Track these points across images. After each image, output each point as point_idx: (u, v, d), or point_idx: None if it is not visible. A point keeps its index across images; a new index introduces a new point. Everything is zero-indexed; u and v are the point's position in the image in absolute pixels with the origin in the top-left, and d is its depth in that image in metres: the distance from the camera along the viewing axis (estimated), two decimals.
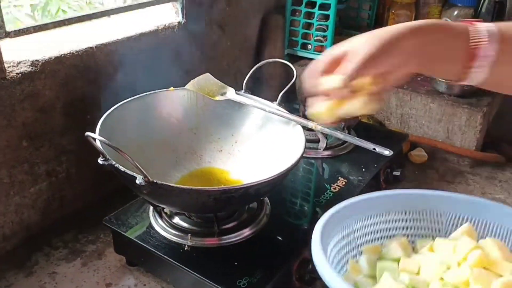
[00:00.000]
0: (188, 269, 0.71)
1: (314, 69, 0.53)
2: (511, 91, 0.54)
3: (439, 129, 1.21)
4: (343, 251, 0.52)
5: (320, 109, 0.52)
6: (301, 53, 1.38)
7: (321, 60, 0.53)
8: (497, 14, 1.38)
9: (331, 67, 0.52)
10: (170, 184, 0.61)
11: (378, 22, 1.54)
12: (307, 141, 1.02)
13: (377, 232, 0.54)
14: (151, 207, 0.82)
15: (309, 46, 1.37)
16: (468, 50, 0.49)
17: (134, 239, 0.77)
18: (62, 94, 0.87)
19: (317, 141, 1.04)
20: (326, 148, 1.03)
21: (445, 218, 0.54)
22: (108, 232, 0.89)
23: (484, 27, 0.50)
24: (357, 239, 0.53)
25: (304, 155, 1.01)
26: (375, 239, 0.54)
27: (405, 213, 0.55)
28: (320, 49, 1.35)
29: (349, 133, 1.09)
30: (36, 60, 0.82)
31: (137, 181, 0.61)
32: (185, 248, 0.74)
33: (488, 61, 0.49)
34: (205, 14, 1.14)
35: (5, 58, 0.78)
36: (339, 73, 0.50)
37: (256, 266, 0.71)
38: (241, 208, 0.80)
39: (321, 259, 0.43)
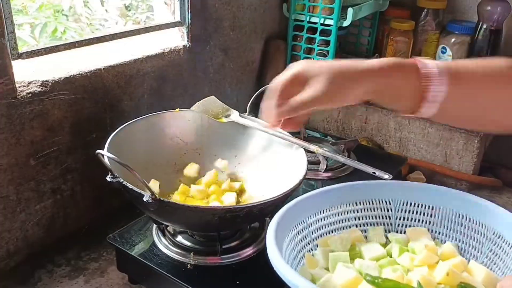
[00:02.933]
0: (190, 287, 0.72)
1: (271, 95, 0.59)
2: (463, 125, 0.58)
3: (437, 153, 1.23)
4: (299, 245, 0.53)
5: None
6: None
7: (275, 88, 0.59)
8: (493, 42, 1.43)
9: (286, 92, 0.57)
10: (177, 202, 0.63)
11: (377, 47, 1.58)
12: (308, 162, 1.05)
13: (331, 224, 0.56)
14: (155, 225, 0.83)
15: None
16: (418, 90, 0.53)
17: (137, 257, 0.78)
18: (70, 114, 0.89)
19: (318, 162, 1.06)
20: (326, 170, 1.05)
21: (394, 206, 0.56)
22: (111, 249, 0.90)
23: (434, 67, 0.53)
24: (312, 233, 0.55)
25: (306, 176, 1.03)
26: (329, 231, 0.56)
27: (356, 204, 0.57)
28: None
29: (349, 156, 1.11)
30: (46, 81, 0.85)
31: (145, 199, 0.63)
32: (188, 267, 0.75)
33: (437, 99, 0.53)
34: (209, 39, 1.18)
35: (16, 78, 0.81)
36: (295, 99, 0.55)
37: (258, 285, 0.72)
38: (243, 227, 0.82)
39: (275, 254, 0.45)
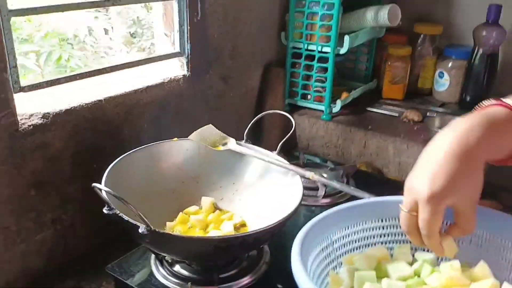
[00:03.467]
0: None
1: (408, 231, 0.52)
2: None
3: None
4: (323, 263, 0.51)
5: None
6: (301, 103, 1.43)
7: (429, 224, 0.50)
8: (490, 66, 1.44)
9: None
10: (171, 233, 0.64)
11: (375, 73, 1.60)
12: (307, 188, 1.05)
13: (356, 241, 0.54)
14: (153, 255, 0.83)
15: (309, 96, 1.42)
16: None
17: (136, 287, 0.78)
18: (71, 145, 0.91)
19: (317, 189, 1.07)
20: (325, 196, 1.06)
21: None
22: (110, 279, 0.90)
23: None
24: (336, 250, 0.53)
25: (304, 202, 1.04)
26: (354, 248, 0.54)
27: (381, 221, 0.55)
28: (319, 99, 1.40)
29: (347, 181, 1.12)
30: (47, 113, 0.87)
31: (140, 230, 0.64)
32: None
33: None
34: (209, 68, 1.20)
35: (18, 111, 0.83)
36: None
37: None
38: (241, 256, 0.82)
39: (302, 274, 0.43)
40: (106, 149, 0.98)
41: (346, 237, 0.54)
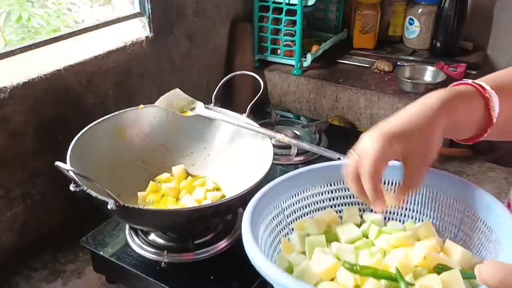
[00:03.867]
0: (165, 286, 0.72)
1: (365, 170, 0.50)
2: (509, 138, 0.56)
3: None
4: (275, 231, 0.52)
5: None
6: (271, 58, 1.41)
7: (371, 171, 0.49)
8: (459, 10, 1.43)
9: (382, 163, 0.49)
10: (141, 208, 0.63)
11: (346, 22, 1.57)
12: (280, 147, 1.05)
13: (306, 207, 0.55)
14: (127, 225, 0.83)
15: (279, 51, 1.39)
16: (484, 114, 0.51)
17: (111, 259, 0.78)
18: (32, 118, 0.88)
19: (290, 147, 1.07)
20: (298, 154, 1.06)
21: None
22: (87, 250, 0.90)
23: (490, 88, 0.51)
24: (287, 217, 0.54)
25: (278, 162, 1.04)
26: (305, 214, 0.55)
27: (330, 185, 0.56)
28: (289, 54, 1.37)
29: (320, 137, 1.12)
30: (4, 87, 0.83)
31: (109, 206, 0.63)
32: (162, 265, 0.76)
33: (496, 118, 0.51)
34: (173, 27, 1.15)
35: None
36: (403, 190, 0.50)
37: (233, 278, 0.73)
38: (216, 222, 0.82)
39: (251, 246, 0.44)
40: (71, 120, 0.95)
41: (295, 204, 0.54)
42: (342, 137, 1.15)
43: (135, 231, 0.82)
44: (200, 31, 1.25)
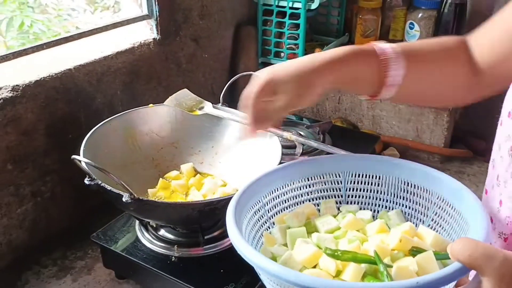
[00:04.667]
0: (176, 279, 0.74)
1: (249, 97, 0.58)
2: (417, 103, 0.60)
3: (409, 129, 1.27)
4: (257, 225, 0.54)
5: None
6: (275, 61, 1.43)
7: (248, 99, 0.57)
8: (458, 15, 1.45)
9: (259, 101, 0.57)
10: (156, 200, 0.65)
11: (347, 27, 1.60)
12: (285, 147, 1.07)
13: (286, 201, 0.57)
14: (137, 221, 0.85)
15: (282, 54, 1.41)
16: (378, 75, 0.56)
17: (122, 253, 0.80)
18: (43, 116, 0.89)
19: (294, 147, 1.08)
20: (302, 154, 1.07)
21: (343, 178, 0.58)
22: (96, 247, 0.91)
23: (391, 51, 0.56)
24: (268, 211, 0.56)
25: (283, 161, 1.05)
26: (284, 208, 0.57)
27: (308, 179, 0.58)
28: (292, 56, 1.39)
29: (323, 138, 1.14)
30: (17, 85, 0.85)
31: (124, 199, 0.65)
32: (172, 259, 0.77)
33: (395, 83, 0.56)
34: (179, 29, 1.17)
35: None
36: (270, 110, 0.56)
37: (242, 272, 0.75)
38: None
39: (237, 237, 0.46)
40: (80, 119, 0.97)
41: (276, 199, 0.57)
42: (346, 137, 1.17)
43: (145, 227, 0.83)
44: (205, 34, 1.27)
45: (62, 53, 0.96)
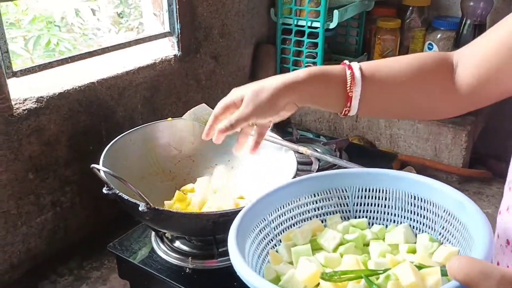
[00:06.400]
0: None
1: (215, 112, 0.70)
2: (384, 117, 0.65)
3: (427, 148, 1.26)
4: (263, 243, 0.54)
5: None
6: None
7: (218, 107, 0.70)
8: (477, 36, 1.45)
9: (225, 111, 0.68)
10: (171, 210, 0.66)
11: (366, 46, 1.61)
12: (301, 163, 1.07)
13: (292, 218, 0.57)
14: (153, 233, 0.85)
15: None
16: (342, 93, 0.60)
17: (138, 264, 0.80)
18: (66, 128, 0.92)
19: (310, 163, 1.09)
20: (318, 170, 1.07)
21: (350, 193, 0.58)
22: (112, 258, 0.92)
23: (357, 70, 0.59)
24: (274, 229, 0.55)
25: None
26: (291, 225, 0.57)
27: (315, 195, 0.58)
28: None
29: (340, 155, 1.14)
30: (41, 97, 0.88)
31: (140, 208, 0.66)
32: (187, 271, 0.78)
33: (356, 100, 0.59)
34: (199, 47, 1.20)
35: (12, 96, 0.84)
36: (230, 119, 0.66)
37: None
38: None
39: (237, 258, 0.46)
40: (101, 131, 0.99)
41: (282, 216, 0.56)
42: (363, 155, 1.17)
43: (161, 238, 0.84)
44: (225, 52, 1.29)
45: (86, 67, 0.99)
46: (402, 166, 1.28)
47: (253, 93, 0.62)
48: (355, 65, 0.60)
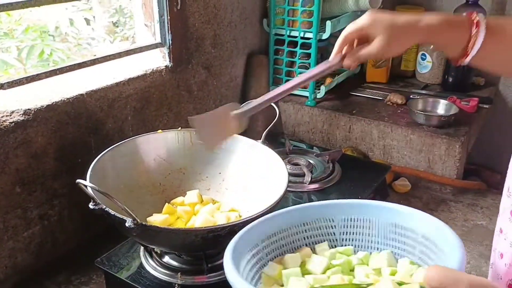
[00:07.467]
0: None
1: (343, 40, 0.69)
2: (498, 70, 0.69)
3: (420, 159, 1.25)
4: (256, 267, 0.57)
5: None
6: None
7: (346, 36, 0.68)
8: None
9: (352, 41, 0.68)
10: (158, 226, 0.64)
11: None
12: (293, 175, 1.07)
13: (283, 246, 0.61)
14: (142, 247, 0.84)
15: None
16: (463, 43, 0.61)
17: (126, 280, 0.79)
18: (54, 140, 0.91)
19: (303, 175, 1.08)
20: (311, 182, 1.07)
21: (336, 222, 0.62)
22: (101, 273, 0.90)
23: (483, 23, 0.61)
24: (266, 255, 0.59)
25: (292, 189, 1.05)
26: (283, 252, 0.60)
27: (304, 224, 0.62)
28: (303, 86, 1.40)
29: (333, 166, 1.13)
30: (29, 109, 0.86)
31: (127, 224, 0.64)
32: (175, 287, 0.76)
33: (478, 44, 0.60)
34: (191, 57, 1.19)
35: None
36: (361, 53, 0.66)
37: None
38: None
39: (235, 277, 0.48)
40: (90, 144, 0.98)
41: (273, 243, 0.60)
42: (356, 166, 1.16)
43: (150, 254, 0.83)
44: (217, 62, 1.29)
45: (75, 78, 0.98)
46: (395, 177, 1.27)
47: (390, 34, 0.62)
48: (480, 14, 0.62)
